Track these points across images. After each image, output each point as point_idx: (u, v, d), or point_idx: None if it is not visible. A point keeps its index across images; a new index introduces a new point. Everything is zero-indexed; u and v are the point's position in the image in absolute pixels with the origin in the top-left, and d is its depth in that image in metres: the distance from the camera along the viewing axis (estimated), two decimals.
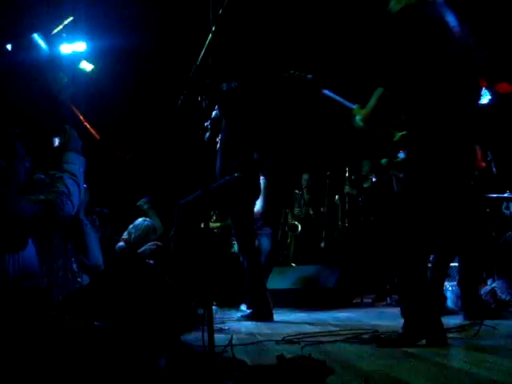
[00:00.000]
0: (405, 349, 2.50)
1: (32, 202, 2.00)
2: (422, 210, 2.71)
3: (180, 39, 5.97)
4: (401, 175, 5.58)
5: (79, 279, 2.68)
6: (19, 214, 1.94)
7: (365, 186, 6.80)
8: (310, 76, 3.17)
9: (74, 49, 6.13)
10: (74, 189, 2.13)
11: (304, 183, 7.97)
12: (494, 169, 5.31)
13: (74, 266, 2.69)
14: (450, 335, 2.88)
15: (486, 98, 6.81)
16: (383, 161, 2.94)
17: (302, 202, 7.90)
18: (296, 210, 7.88)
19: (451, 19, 2.76)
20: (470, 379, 1.83)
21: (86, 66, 6.22)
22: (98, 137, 6.33)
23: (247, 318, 4.29)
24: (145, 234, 5.16)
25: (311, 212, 7.78)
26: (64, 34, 5.95)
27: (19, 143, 2.16)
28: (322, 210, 7.71)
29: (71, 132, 2.37)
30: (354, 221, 7.04)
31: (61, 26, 5.76)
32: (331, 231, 7.54)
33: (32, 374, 1.64)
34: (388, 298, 5.84)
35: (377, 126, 2.93)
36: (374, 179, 6.72)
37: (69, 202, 2.05)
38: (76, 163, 2.25)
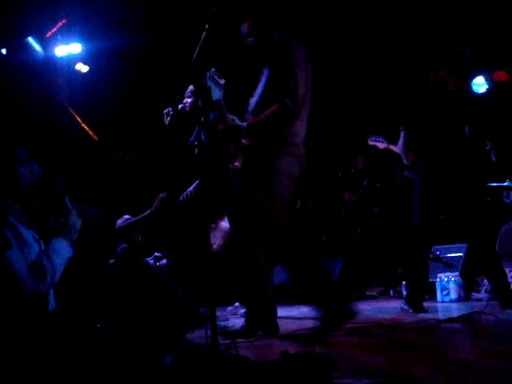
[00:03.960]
0: (408, 341, 2.51)
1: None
2: None
3: (174, 38, 5.95)
4: (405, 172, 5.58)
5: None
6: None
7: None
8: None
9: (70, 50, 6.10)
10: (54, 272, 1.98)
11: None
12: (493, 158, 5.30)
13: None
14: (454, 325, 2.89)
15: (483, 87, 6.79)
16: None
17: None
18: None
19: None
20: (474, 368, 1.83)
21: (82, 68, 6.19)
22: (95, 138, 6.32)
23: None
24: (124, 232, 4.72)
25: None
26: (59, 36, 5.93)
27: (20, 148, 2.12)
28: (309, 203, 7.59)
29: (73, 219, 2.12)
30: (355, 214, 6.99)
31: (55, 29, 5.74)
32: (332, 224, 7.48)
33: (37, 375, 1.64)
34: (391, 291, 5.82)
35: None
36: (378, 185, 6.66)
37: (42, 284, 1.94)
38: (62, 253, 2.04)
